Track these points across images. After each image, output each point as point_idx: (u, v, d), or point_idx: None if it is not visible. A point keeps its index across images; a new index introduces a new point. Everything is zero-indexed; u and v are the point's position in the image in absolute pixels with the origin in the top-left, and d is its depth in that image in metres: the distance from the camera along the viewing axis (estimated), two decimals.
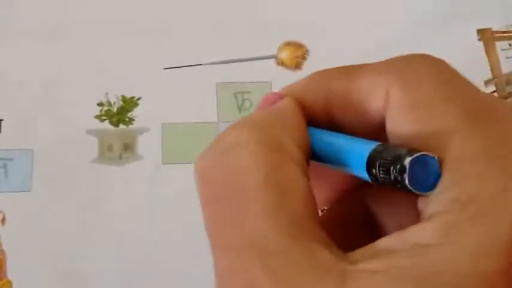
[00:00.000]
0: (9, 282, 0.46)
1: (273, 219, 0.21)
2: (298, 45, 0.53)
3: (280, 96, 0.26)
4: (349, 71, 0.25)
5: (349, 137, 0.24)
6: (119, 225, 0.48)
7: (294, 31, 0.53)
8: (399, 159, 0.21)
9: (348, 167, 0.24)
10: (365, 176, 0.23)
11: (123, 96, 0.51)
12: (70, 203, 0.48)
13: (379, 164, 0.22)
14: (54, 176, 0.49)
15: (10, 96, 0.51)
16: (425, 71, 0.23)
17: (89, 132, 0.50)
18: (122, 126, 0.50)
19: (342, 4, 0.54)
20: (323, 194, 0.27)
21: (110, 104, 0.51)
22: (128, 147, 0.50)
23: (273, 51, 0.53)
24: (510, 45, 0.53)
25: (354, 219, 0.27)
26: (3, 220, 0.47)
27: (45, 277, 0.46)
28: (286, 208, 0.21)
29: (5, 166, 0.49)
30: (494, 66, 0.52)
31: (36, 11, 0.53)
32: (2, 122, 0.50)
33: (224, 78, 0.52)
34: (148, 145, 0.50)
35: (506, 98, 0.51)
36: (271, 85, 0.52)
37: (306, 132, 0.25)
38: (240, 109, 0.51)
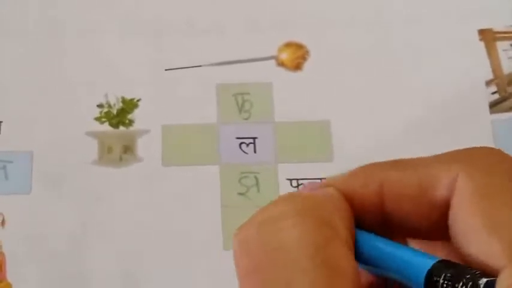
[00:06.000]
0: (9, 285, 0.46)
1: None
2: (298, 46, 0.53)
3: (324, 186, 0.26)
4: (406, 163, 0.25)
5: (401, 245, 0.24)
6: (119, 227, 0.47)
7: (294, 32, 0.53)
8: (472, 279, 0.21)
9: (401, 276, 0.23)
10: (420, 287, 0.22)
11: (123, 97, 0.51)
12: (70, 205, 0.48)
13: (444, 278, 0.22)
14: (54, 178, 0.48)
15: (9, 97, 0.51)
16: (490, 161, 0.23)
17: (89, 134, 0.50)
18: (121, 128, 0.50)
19: (342, 4, 0.54)
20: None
21: (109, 106, 0.51)
22: (128, 149, 0.50)
23: (273, 52, 0.53)
24: (511, 45, 0.52)
25: None
26: (3, 222, 0.47)
27: (45, 279, 0.46)
28: (335, 287, 0.21)
29: (4, 168, 0.49)
30: (495, 66, 0.52)
31: (34, 10, 0.53)
32: (2, 123, 0.50)
33: (224, 80, 0.52)
34: (148, 147, 0.50)
35: (507, 99, 0.51)
36: (271, 86, 0.52)
37: (353, 219, 0.24)
38: (240, 110, 0.51)
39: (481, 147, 0.25)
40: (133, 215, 0.48)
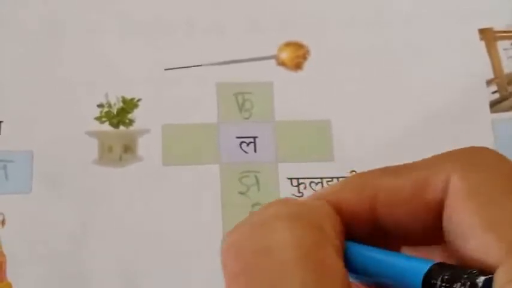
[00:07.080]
0: (9, 284, 0.46)
1: None
2: (298, 45, 0.53)
3: (313, 199, 0.26)
4: (398, 169, 0.25)
5: (395, 252, 0.24)
6: (119, 226, 0.47)
7: (294, 31, 0.53)
8: (470, 278, 0.21)
9: (396, 282, 0.23)
10: None
11: (123, 97, 0.51)
12: (70, 205, 0.48)
13: (442, 279, 0.22)
14: (54, 177, 0.48)
15: (9, 97, 0.51)
16: (485, 162, 0.23)
17: (89, 133, 0.50)
18: (122, 127, 0.50)
19: (342, 4, 0.54)
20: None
21: (110, 105, 0.51)
22: (128, 149, 0.50)
23: (273, 52, 0.53)
24: None
25: None
26: (3, 222, 0.47)
27: (45, 279, 0.46)
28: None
29: (4, 168, 0.49)
30: (496, 66, 0.52)
31: (34, 10, 0.53)
32: (2, 123, 0.50)
33: (224, 79, 0.52)
34: (148, 147, 0.50)
35: (508, 98, 0.51)
36: (272, 85, 0.52)
37: (343, 231, 0.24)
38: (240, 110, 0.51)
39: (473, 147, 0.25)
40: (133, 215, 0.48)
